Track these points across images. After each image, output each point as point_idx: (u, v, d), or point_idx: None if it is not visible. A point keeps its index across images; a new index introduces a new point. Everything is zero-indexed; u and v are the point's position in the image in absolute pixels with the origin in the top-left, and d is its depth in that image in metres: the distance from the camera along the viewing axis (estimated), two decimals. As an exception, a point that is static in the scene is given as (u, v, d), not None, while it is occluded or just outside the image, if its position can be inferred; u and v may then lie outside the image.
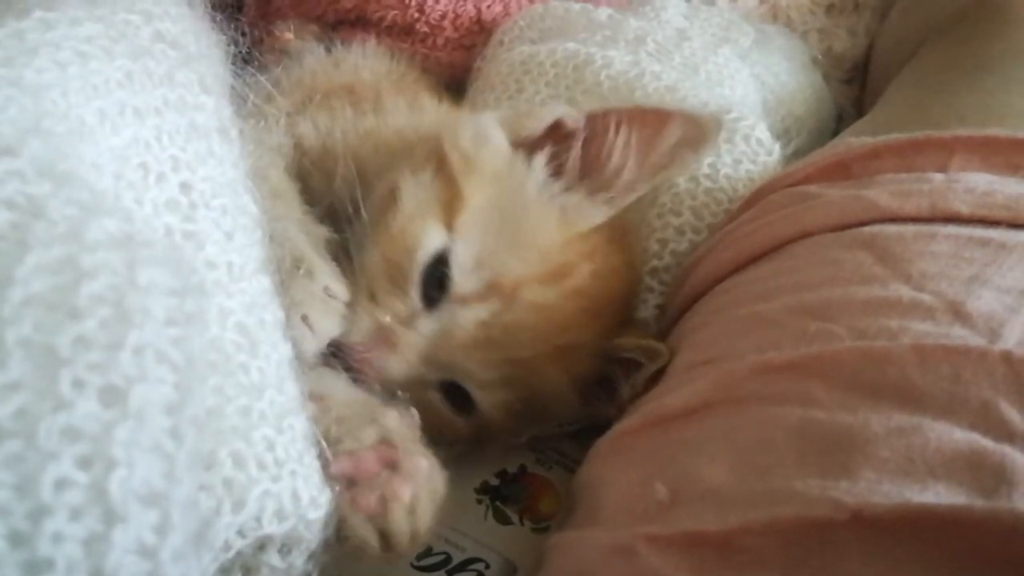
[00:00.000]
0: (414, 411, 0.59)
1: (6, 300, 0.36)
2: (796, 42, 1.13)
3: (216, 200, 0.51)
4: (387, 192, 0.69)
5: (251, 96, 0.70)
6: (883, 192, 0.63)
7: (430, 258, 0.66)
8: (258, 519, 0.46)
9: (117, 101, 0.48)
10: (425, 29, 1.02)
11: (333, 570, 0.52)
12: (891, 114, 0.83)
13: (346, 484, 0.52)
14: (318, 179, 0.73)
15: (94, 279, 0.38)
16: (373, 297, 0.66)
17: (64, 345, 0.36)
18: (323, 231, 0.67)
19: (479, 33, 1.04)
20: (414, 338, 0.65)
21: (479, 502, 0.70)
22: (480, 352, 0.66)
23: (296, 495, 0.48)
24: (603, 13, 0.99)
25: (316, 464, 0.50)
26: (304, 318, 0.59)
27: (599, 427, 0.66)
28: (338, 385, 0.61)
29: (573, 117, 0.70)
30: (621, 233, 0.74)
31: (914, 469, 0.45)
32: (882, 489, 0.45)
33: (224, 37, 0.63)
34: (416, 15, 1.01)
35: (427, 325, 0.66)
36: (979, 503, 0.43)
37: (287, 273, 0.57)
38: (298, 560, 0.49)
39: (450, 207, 0.67)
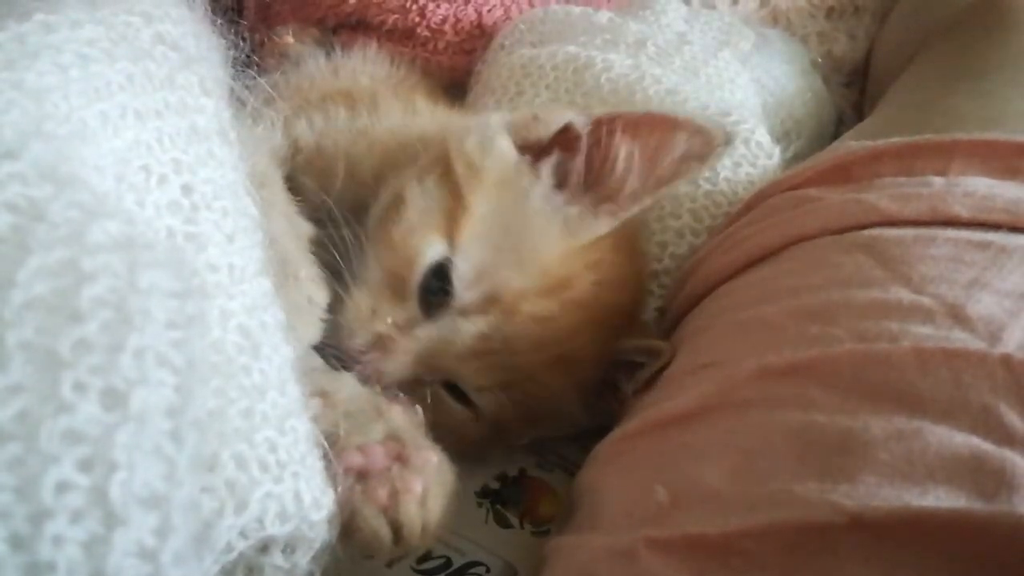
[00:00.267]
0: (419, 408, 0.59)
1: (7, 303, 0.36)
2: (796, 46, 1.14)
3: (217, 202, 0.51)
4: (391, 199, 0.69)
5: (251, 99, 0.70)
6: (883, 196, 0.64)
7: (428, 269, 0.66)
8: (260, 521, 0.45)
9: (118, 104, 0.48)
10: (426, 33, 1.02)
11: (335, 571, 0.52)
12: (891, 118, 0.83)
13: (356, 478, 0.52)
14: (313, 179, 0.73)
15: (95, 282, 0.38)
16: (373, 304, 0.66)
17: (65, 348, 0.36)
18: (308, 227, 0.66)
19: (480, 37, 1.04)
20: (410, 344, 0.66)
21: (479, 505, 0.70)
22: (477, 361, 0.66)
23: (299, 496, 0.47)
24: (603, 17, 0.99)
25: (319, 465, 0.51)
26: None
27: (600, 430, 0.66)
28: (343, 382, 0.60)
29: (582, 122, 0.69)
30: (629, 240, 0.74)
31: (914, 473, 0.46)
32: (882, 493, 0.45)
33: (224, 41, 0.63)
34: (417, 19, 1.01)
35: (425, 332, 0.66)
36: (979, 507, 0.43)
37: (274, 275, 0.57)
38: (302, 560, 0.49)
39: (452, 217, 0.66)
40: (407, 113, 0.82)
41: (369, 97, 0.82)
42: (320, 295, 0.62)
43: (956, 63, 0.86)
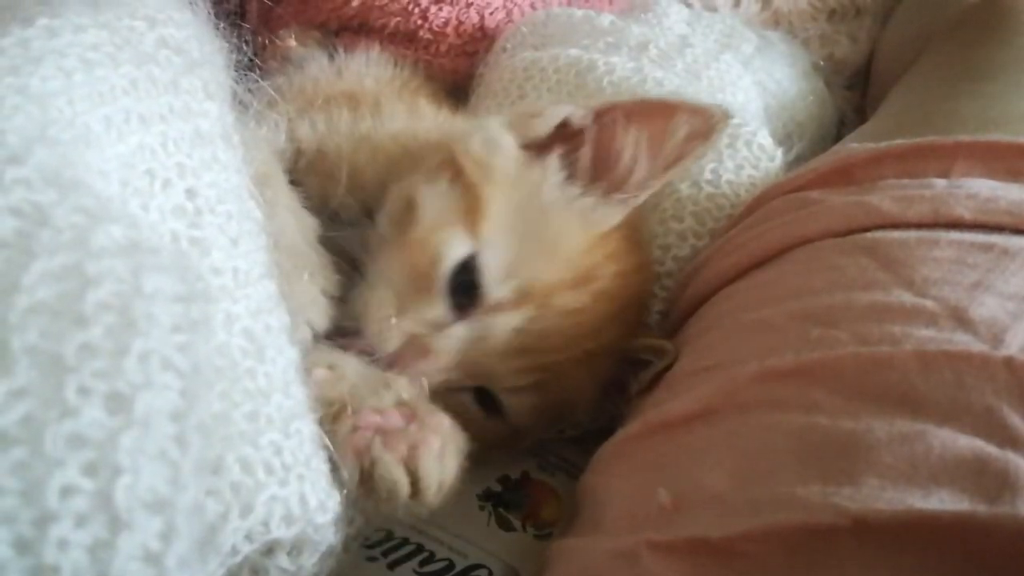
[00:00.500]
0: (423, 381, 0.61)
1: (12, 307, 0.36)
2: (797, 48, 1.13)
3: (221, 206, 0.51)
4: (403, 203, 0.69)
5: (254, 102, 0.70)
6: (885, 198, 0.64)
7: (455, 266, 0.65)
8: (266, 523, 0.46)
9: (123, 108, 0.48)
10: (428, 36, 1.02)
11: (338, 574, 0.52)
12: (893, 120, 0.83)
13: (373, 434, 0.54)
14: (315, 182, 0.73)
15: (100, 286, 0.38)
16: (400, 306, 0.65)
17: (70, 352, 0.36)
18: (314, 222, 0.66)
19: (482, 40, 1.03)
20: (448, 343, 0.65)
21: (482, 508, 0.70)
22: (513, 359, 0.66)
23: (304, 499, 0.48)
24: (606, 20, 0.99)
25: (324, 468, 0.51)
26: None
27: (602, 432, 0.66)
28: (345, 357, 0.62)
29: (579, 115, 0.70)
30: (635, 231, 0.74)
31: (917, 475, 0.45)
32: (885, 495, 0.45)
33: (227, 44, 0.63)
34: (419, 22, 1.01)
35: (459, 332, 0.65)
36: (983, 509, 0.43)
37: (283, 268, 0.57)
38: (307, 562, 0.49)
39: (471, 214, 0.66)
40: (411, 117, 0.82)
41: (372, 100, 0.82)
42: (330, 285, 0.63)
43: (958, 65, 0.86)
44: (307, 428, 0.50)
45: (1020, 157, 0.64)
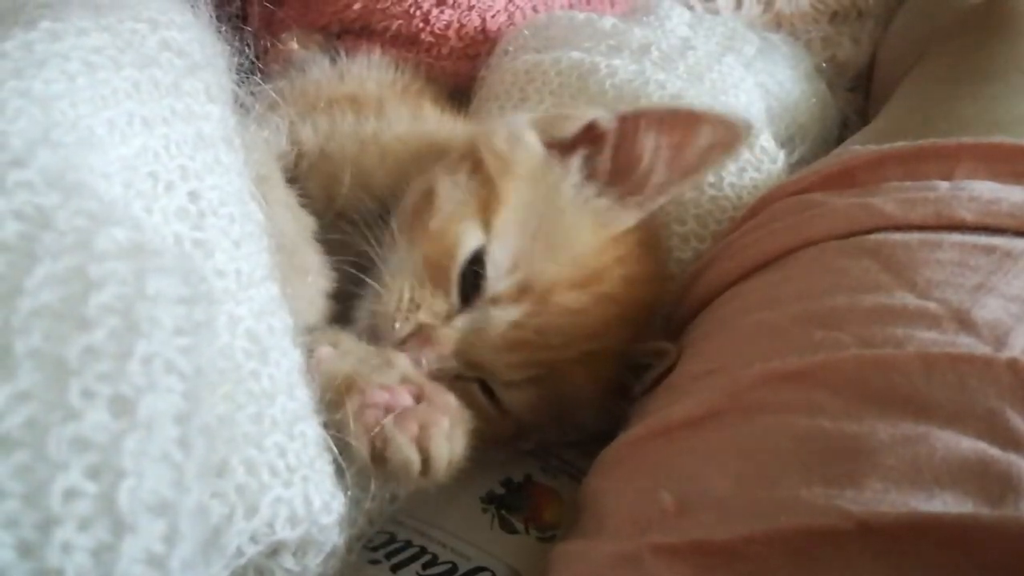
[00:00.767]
0: (424, 359, 0.63)
1: (15, 310, 0.36)
2: (800, 50, 1.13)
3: (224, 208, 0.51)
4: (421, 194, 0.69)
5: (256, 105, 0.70)
6: (888, 200, 0.64)
7: (469, 256, 0.66)
8: (271, 525, 0.46)
9: (125, 111, 0.48)
10: (430, 39, 1.02)
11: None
12: (895, 122, 0.83)
13: (383, 412, 0.56)
14: (318, 183, 0.73)
15: (103, 289, 0.38)
16: (412, 295, 0.66)
17: (73, 355, 0.36)
18: (311, 220, 0.67)
19: (483, 43, 1.03)
20: (450, 334, 0.66)
21: (485, 511, 0.70)
22: (509, 352, 0.66)
23: (308, 500, 0.48)
24: (607, 22, 0.99)
25: (328, 469, 0.51)
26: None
27: (605, 436, 0.66)
28: (350, 337, 0.63)
29: (607, 119, 0.70)
30: (653, 240, 0.74)
31: (920, 478, 0.45)
32: (888, 498, 0.45)
33: (229, 47, 0.63)
34: (421, 25, 1.01)
35: (461, 322, 0.66)
36: (986, 512, 0.43)
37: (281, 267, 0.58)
38: (312, 563, 0.49)
39: (487, 206, 0.67)
40: (415, 119, 0.82)
41: (376, 102, 0.82)
42: (324, 282, 0.64)
43: (960, 67, 0.86)
44: (311, 430, 0.51)
45: (1022, 159, 0.64)
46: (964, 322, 0.53)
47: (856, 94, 1.17)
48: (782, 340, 0.58)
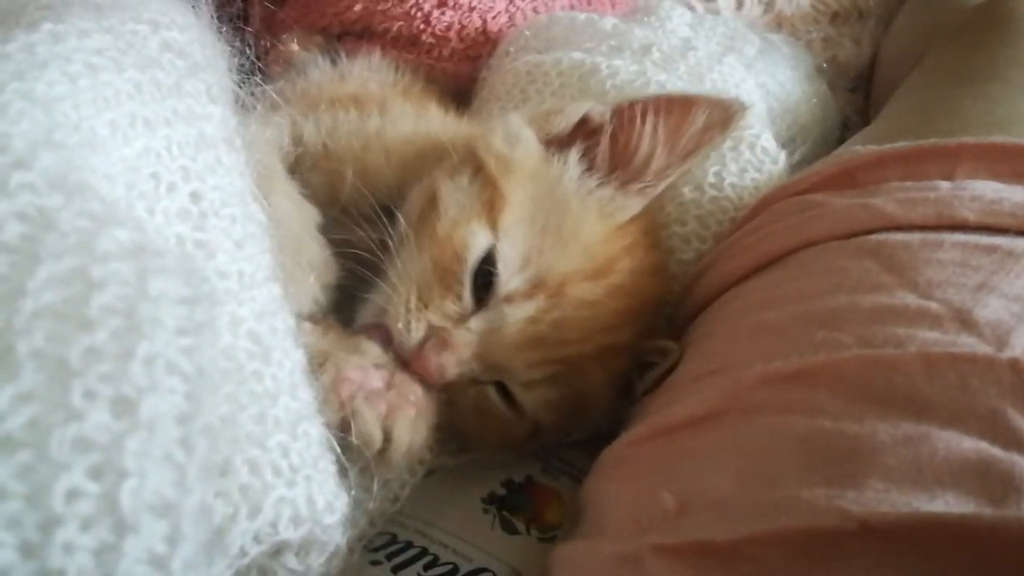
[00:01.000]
0: (445, 362, 0.65)
1: (18, 311, 0.36)
2: (801, 51, 1.14)
3: (226, 209, 0.51)
4: (425, 199, 0.70)
5: (256, 106, 0.70)
6: (889, 200, 0.64)
7: (479, 258, 0.66)
8: (274, 525, 0.46)
9: (127, 112, 0.48)
10: (431, 40, 1.02)
11: None
12: (896, 122, 0.83)
13: (357, 388, 0.59)
14: (321, 178, 0.74)
15: (105, 290, 0.38)
16: (423, 300, 0.66)
17: (75, 356, 0.36)
18: (314, 211, 0.67)
19: (485, 44, 1.04)
20: (468, 336, 0.66)
21: (486, 512, 0.70)
22: (528, 350, 0.66)
23: (311, 500, 0.48)
24: (608, 23, 0.99)
25: (331, 469, 0.51)
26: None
27: (606, 436, 0.66)
28: (329, 319, 0.65)
29: (600, 111, 0.71)
30: (654, 234, 0.75)
31: (922, 478, 0.45)
32: (890, 498, 0.45)
33: (230, 48, 0.63)
34: (422, 26, 1.01)
35: (476, 323, 0.66)
36: (988, 511, 0.43)
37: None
38: (315, 563, 0.49)
39: (492, 207, 0.67)
40: (420, 118, 0.82)
41: (378, 102, 0.82)
42: (327, 275, 0.64)
43: (961, 67, 0.86)
44: (314, 430, 0.51)
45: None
46: (965, 322, 0.53)
47: (857, 94, 1.18)
48: (783, 340, 0.58)
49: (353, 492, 0.54)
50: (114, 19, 0.53)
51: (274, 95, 0.77)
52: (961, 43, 0.89)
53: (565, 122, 0.71)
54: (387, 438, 0.58)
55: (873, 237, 0.62)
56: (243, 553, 0.45)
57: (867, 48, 1.19)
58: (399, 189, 0.72)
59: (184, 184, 0.50)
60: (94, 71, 0.48)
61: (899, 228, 0.62)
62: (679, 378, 0.66)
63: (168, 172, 0.49)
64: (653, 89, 0.86)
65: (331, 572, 0.51)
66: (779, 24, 1.20)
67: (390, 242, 0.69)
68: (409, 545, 0.66)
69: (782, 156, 0.83)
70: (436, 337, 0.65)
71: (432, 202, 0.69)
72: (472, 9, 1.02)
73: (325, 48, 1.02)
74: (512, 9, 1.04)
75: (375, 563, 0.64)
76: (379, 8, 1.01)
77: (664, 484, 0.55)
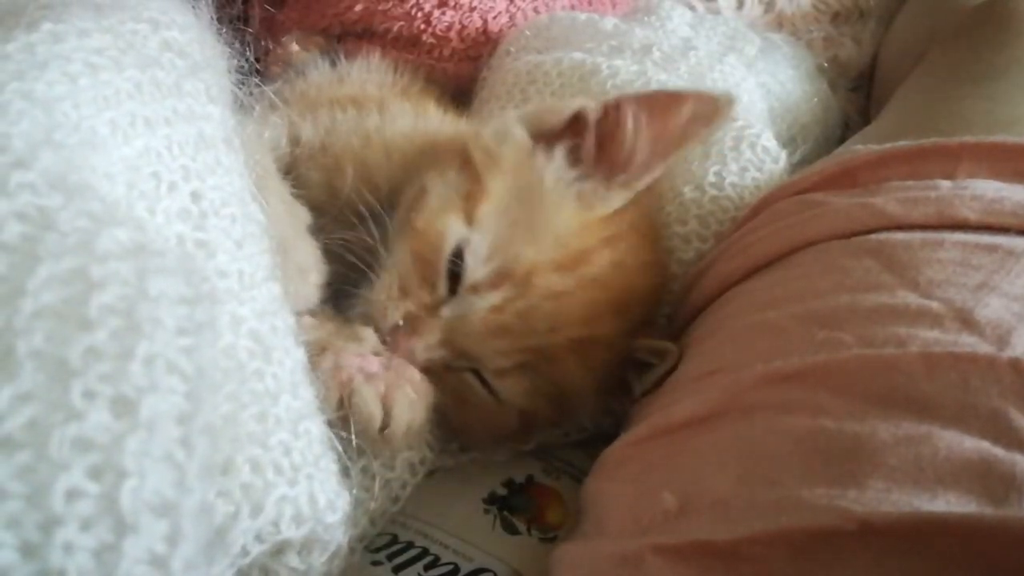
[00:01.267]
0: (414, 348, 0.66)
1: (17, 311, 0.36)
2: (801, 50, 1.14)
3: (226, 209, 0.51)
4: (416, 193, 0.71)
5: (256, 107, 0.70)
6: (890, 200, 0.63)
7: (453, 249, 0.67)
8: (276, 524, 0.46)
9: (127, 112, 0.48)
10: (431, 40, 1.02)
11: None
12: (897, 122, 0.83)
13: (356, 372, 0.61)
14: (320, 177, 0.74)
15: (105, 290, 0.38)
16: (403, 289, 0.68)
17: (75, 356, 0.36)
18: (305, 213, 0.68)
19: (485, 44, 1.04)
20: (435, 323, 0.67)
21: (487, 512, 0.70)
22: (493, 339, 0.67)
23: (313, 499, 0.48)
24: (609, 23, 0.99)
25: (333, 467, 0.51)
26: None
27: (606, 437, 0.66)
28: (325, 310, 0.67)
29: (592, 108, 0.71)
30: (651, 229, 0.75)
31: (923, 478, 0.45)
32: (891, 498, 0.45)
33: (229, 49, 0.63)
34: (422, 26, 1.01)
35: (446, 311, 0.67)
36: (989, 511, 0.43)
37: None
38: (317, 562, 0.49)
39: (471, 200, 0.68)
40: (419, 117, 0.82)
41: (377, 103, 0.82)
42: (316, 275, 0.65)
43: (962, 67, 0.85)
44: (316, 428, 0.51)
45: (1025, 158, 0.64)
46: (967, 321, 0.53)
47: (858, 94, 1.18)
48: (784, 340, 0.58)
49: (355, 492, 0.54)
50: (114, 19, 0.53)
51: (272, 96, 0.77)
52: (962, 42, 0.89)
53: (556, 118, 0.72)
54: (387, 415, 0.60)
55: (874, 236, 0.62)
56: (245, 552, 0.45)
57: (868, 48, 1.19)
58: (398, 188, 0.73)
59: (184, 184, 0.50)
60: (94, 71, 0.48)
61: (900, 227, 0.62)
62: (679, 378, 0.65)
63: (168, 171, 0.49)
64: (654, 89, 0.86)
65: (332, 572, 0.51)
66: (780, 24, 1.20)
67: (385, 238, 0.69)
68: (410, 545, 0.66)
69: (783, 155, 0.83)
70: (409, 324, 0.67)
71: (419, 196, 0.70)
72: (473, 9, 1.02)
73: (325, 49, 1.02)
74: (513, 9, 1.04)
75: (376, 563, 0.64)
76: (380, 8, 1.01)
77: (665, 484, 0.55)
